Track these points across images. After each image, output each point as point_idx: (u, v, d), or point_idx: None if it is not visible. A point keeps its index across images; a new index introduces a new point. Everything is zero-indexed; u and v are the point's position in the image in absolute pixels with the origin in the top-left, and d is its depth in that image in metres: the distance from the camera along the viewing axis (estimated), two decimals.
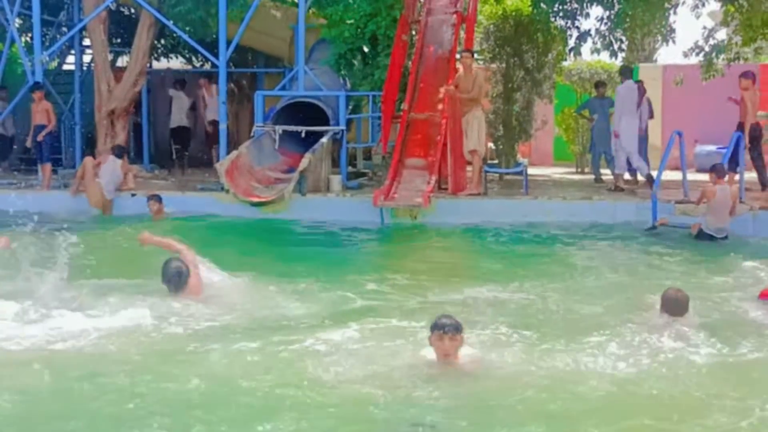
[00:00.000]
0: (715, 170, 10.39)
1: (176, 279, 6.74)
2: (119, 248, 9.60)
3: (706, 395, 5.00)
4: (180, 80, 17.52)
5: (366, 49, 14.66)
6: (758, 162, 12.67)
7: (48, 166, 13.95)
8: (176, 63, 20.82)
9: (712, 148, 16.57)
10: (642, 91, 13.62)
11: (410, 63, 13.57)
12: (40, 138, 13.69)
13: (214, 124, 15.86)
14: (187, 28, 14.94)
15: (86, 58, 17.74)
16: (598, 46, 14.88)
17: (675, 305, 6.25)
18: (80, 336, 5.96)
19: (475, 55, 14.71)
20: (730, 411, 4.72)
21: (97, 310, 6.50)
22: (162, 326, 6.25)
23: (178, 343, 5.96)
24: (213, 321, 6.48)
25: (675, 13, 14.98)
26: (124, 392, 4.97)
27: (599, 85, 15.39)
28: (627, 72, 13.64)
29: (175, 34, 16.25)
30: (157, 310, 6.49)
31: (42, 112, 13.97)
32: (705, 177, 14.21)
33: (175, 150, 17.01)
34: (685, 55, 15.51)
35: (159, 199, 11.89)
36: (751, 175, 12.68)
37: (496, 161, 15.75)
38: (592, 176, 15.18)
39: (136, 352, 5.70)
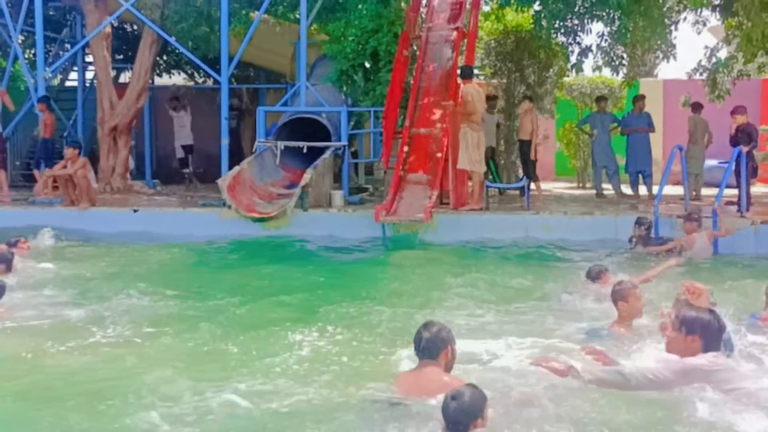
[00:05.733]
0: (692, 219, 10.21)
1: None
2: None
3: None
4: (176, 98, 17.53)
5: (367, 65, 14.70)
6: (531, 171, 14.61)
7: (37, 172, 14.19)
8: (178, 79, 20.92)
9: (713, 162, 16.53)
10: None
11: (411, 79, 13.60)
12: None
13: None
14: (190, 45, 15.02)
15: (89, 75, 17.82)
16: (600, 62, 14.94)
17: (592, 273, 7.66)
18: None
19: (476, 71, 14.77)
20: None
21: None
22: None
23: None
24: None
25: (676, 29, 15.00)
26: None
27: (600, 99, 15.42)
28: None
29: (177, 51, 16.32)
30: None
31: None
32: (706, 192, 14.26)
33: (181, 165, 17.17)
34: (689, 76, 15.59)
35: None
36: (757, 189, 12.63)
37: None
38: (594, 191, 15.19)
39: None
